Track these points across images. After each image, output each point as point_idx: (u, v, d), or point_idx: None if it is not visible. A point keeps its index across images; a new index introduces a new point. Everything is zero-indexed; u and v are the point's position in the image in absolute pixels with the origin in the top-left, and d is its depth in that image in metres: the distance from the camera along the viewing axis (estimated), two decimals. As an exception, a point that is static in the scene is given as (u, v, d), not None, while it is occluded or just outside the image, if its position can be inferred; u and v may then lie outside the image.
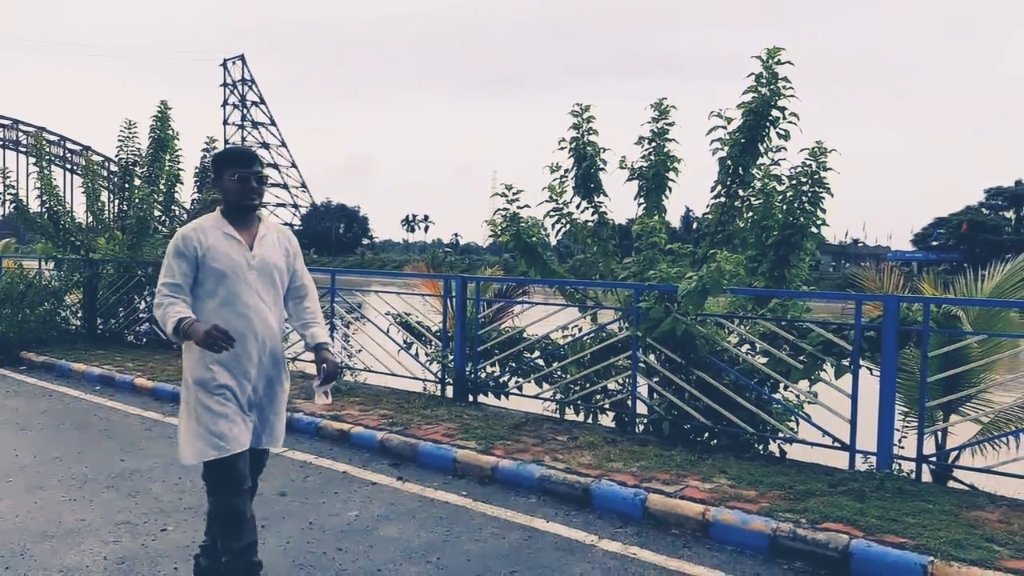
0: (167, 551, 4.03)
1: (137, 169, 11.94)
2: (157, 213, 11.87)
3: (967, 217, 72.93)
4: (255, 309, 3.22)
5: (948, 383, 5.77)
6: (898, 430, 5.36)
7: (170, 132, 11.88)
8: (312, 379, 3.54)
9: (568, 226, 7.75)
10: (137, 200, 11.34)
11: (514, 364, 7.43)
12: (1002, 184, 77.17)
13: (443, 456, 5.60)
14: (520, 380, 7.43)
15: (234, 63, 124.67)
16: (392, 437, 6.00)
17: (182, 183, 12.16)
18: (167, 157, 11.92)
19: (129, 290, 11.14)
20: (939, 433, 6.00)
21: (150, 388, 8.08)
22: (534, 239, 7.56)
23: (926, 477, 5.37)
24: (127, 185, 11.93)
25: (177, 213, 12.35)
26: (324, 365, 3.41)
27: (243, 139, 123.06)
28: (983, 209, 76.10)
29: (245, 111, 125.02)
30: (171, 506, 4.71)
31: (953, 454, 5.88)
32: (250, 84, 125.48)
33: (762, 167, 6.97)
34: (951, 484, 5.59)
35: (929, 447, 5.51)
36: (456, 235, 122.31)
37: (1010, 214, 76.90)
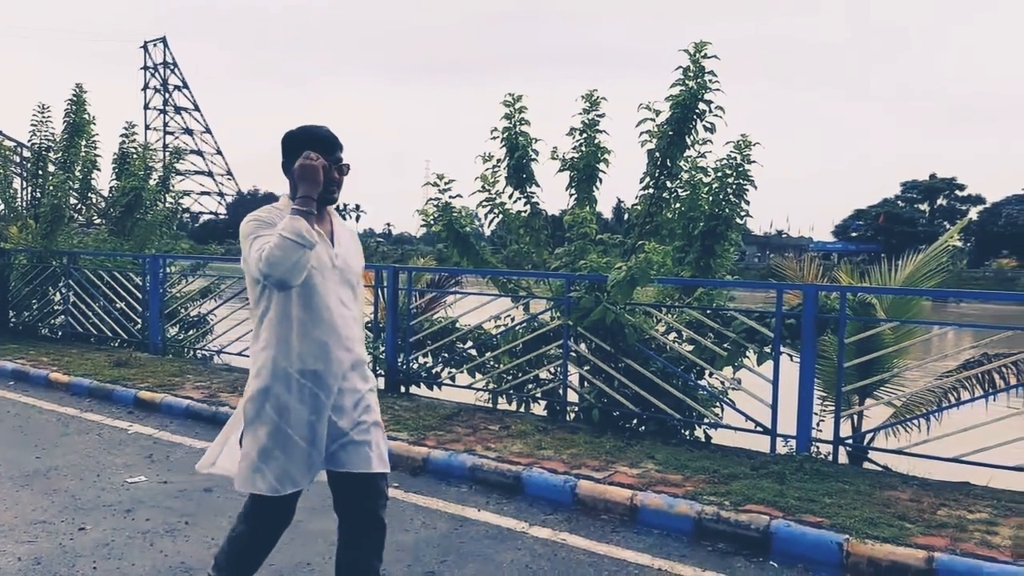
0: (85, 550, 3.89)
1: (51, 155, 11.46)
2: (73, 201, 11.41)
3: (884, 209, 76.06)
4: (340, 315, 2.70)
5: (863, 368, 6.01)
6: (816, 414, 5.58)
7: (86, 116, 11.42)
8: None
9: (501, 216, 7.76)
10: (51, 187, 10.86)
11: (447, 354, 7.42)
12: (917, 178, 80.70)
13: (374, 447, 5.55)
14: (453, 370, 7.43)
15: (155, 45, 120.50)
16: (322, 429, 5.92)
17: (99, 170, 11.73)
18: (83, 143, 11.46)
19: (43, 281, 10.67)
20: (855, 416, 6.25)
21: (66, 383, 7.77)
22: (467, 229, 7.54)
23: (843, 459, 5.60)
24: (40, 172, 11.44)
25: (94, 201, 11.90)
26: None
27: (165, 124, 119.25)
28: (899, 202, 79.51)
29: (167, 95, 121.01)
30: (89, 504, 4.56)
31: (868, 436, 6.15)
32: (172, 67, 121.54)
33: (689, 159, 7.11)
34: (866, 465, 5.84)
35: (845, 430, 5.75)
36: (389, 224, 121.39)
37: (924, 206, 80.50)
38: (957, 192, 79.77)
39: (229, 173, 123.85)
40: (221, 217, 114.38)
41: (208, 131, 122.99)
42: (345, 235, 2.85)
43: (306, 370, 2.63)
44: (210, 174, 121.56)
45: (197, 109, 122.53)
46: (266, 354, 2.65)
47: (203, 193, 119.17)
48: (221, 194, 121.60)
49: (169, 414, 6.78)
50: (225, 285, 10.20)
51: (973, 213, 74.91)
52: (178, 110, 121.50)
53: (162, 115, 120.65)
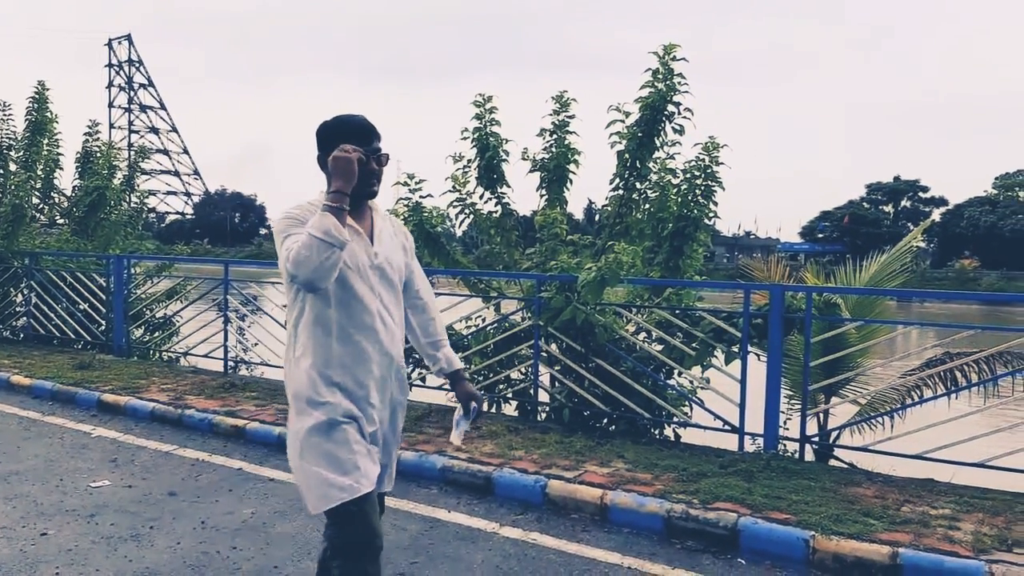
0: (47, 556, 3.82)
1: (12, 154, 11.22)
2: (35, 200, 11.20)
3: (850, 211, 77.22)
4: (380, 319, 2.53)
5: (829, 367, 6.09)
6: (783, 412, 5.64)
7: (48, 115, 11.22)
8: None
9: (472, 217, 7.76)
10: (12, 187, 10.63)
11: (417, 356, 7.39)
12: (881, 180, 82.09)
13: (343, 449, 5.51)
14: (423, 371, 7.39)
15: (120, 43, 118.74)
16: (291, 431, 5.86)
17: (62, 168, 11.52)
18: (45, 141, 11.26)
19: (4, 282, 10.44)
20: (821, 415, 6.33)
21: (28, 386, 7.61)
22: (438, 229, 7.53)
23: (809, 456, 5.67)
24: (1, 171, 11.19)
25: (56, 200, 11.68)
26: (474, 402, 2.80)
27: (130, 123, 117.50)
28: (864, 203, 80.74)
29: (132, 93, 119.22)
30: (52, 509, 4.47)
31: (834, 434, 6.23)
32: (137, 65, 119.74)
33: (658, 160, 7.17)
34: (832, 463, 5.93)
35: (812, 428, 5.81)
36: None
37: (888, 208, 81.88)
38: (920, 194, 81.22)
39: (196, 173, 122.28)
40: (188, 217, 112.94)
41: (174, 130, 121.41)
42: (387, 231, 2.65)
43: (347, 377, 2.48)
44: (176, 174, 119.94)
45: (163, 107, 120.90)
46: (305, 362, 2.50)
47: (169, 193, 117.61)
48: (188, 194, 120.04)
49: (134, 417, 6.68)
50: (192, 286, 10.07)
51: (936, 215, 76.32)
52: (143, 108, 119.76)
53: (127, 113, 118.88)
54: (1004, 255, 64.27)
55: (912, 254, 7.45)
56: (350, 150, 2.38)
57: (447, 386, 6.82)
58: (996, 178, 75.73)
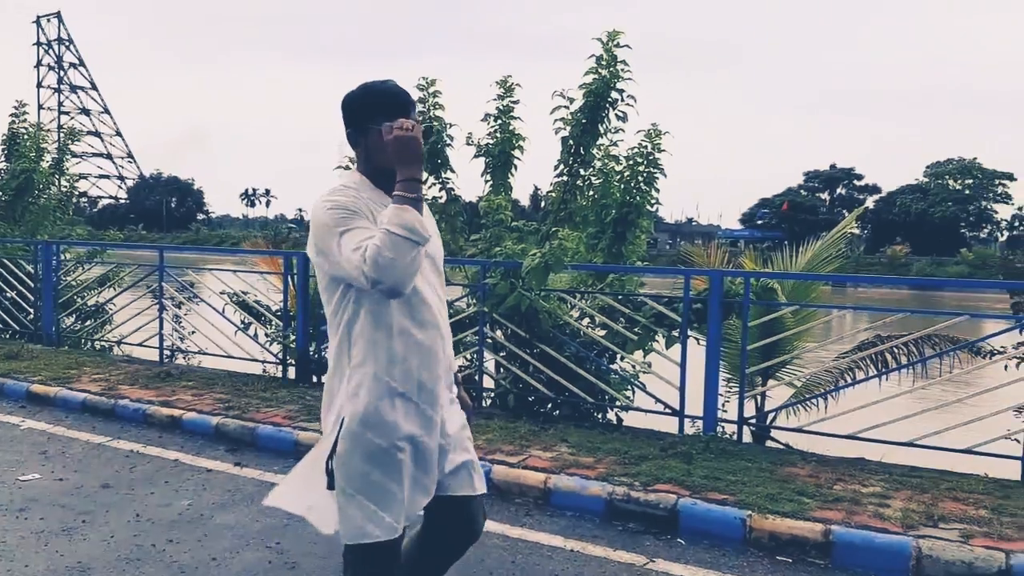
0: (-29, 554, 3.67)
1: (-67, 135, 10.74)
2: (-41, 184, 10.73)
3: (787, 198, 79.13)
4: (438, 313, 2.29)
5: (766, 351, 6.23)
6: (722, 395, 5.75)
7: (-30, 94, 10.74)
8: None
9: (415, 202, 7.69)
10: (-66, 169, 10.19)
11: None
12: (819, 168, 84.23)
13: (284, 439, 5.44)
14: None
15: (49, 21, 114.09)
16: (228, 422, 5.75)
17: (-13, 151, 11.06)
18: (-32, 122, 10.79)
19: (-76, 269, 9.97)
20: (758, 397, 6.48)
21: (-48, 377, 7.29)
22: (380, 215, 7.45)
23: (747, 438, 5.79)
24: (-79, 153, 10.70)
25: (-18, 184, 11.21)
26: (465, 412, 2.56)
27: (60, 103, 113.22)
28: (802, 191, 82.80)
29: (62, 73, 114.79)
30: (-23, 505, 4.30)
31: (770, 416, 6.39)
32: (67, 44, 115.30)
33: (602, 147, 7.21)
34: (768, 444, 6.07)
35: (749, 410, 5.94)
36: (300, 210, 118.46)
37: (825, 195, 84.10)
38: (855, 182, 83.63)
39: (130, 156, 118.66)
40: (122, 202, 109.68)
41: (107, 111, 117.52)
42: (426, 214, 2.31)
43: (411, 383, 2.21)
44: (109, 156, 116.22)
45: (94, 88, 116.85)
46: (363, 371, 2.17)
47: (102, 176, 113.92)
48: (121, 177, 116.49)
49: (64, 408, 6.46)
50: (125, 273, 9.77)
51: (870, 202, 78.67)
52: (74, 89, 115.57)
53: (56, 94, 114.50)
54: (934, 241, 66.69)
55: (846, 240, 7.66)
56: (410, 126, 2.10)
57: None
58: (927, 167, 78.33)
